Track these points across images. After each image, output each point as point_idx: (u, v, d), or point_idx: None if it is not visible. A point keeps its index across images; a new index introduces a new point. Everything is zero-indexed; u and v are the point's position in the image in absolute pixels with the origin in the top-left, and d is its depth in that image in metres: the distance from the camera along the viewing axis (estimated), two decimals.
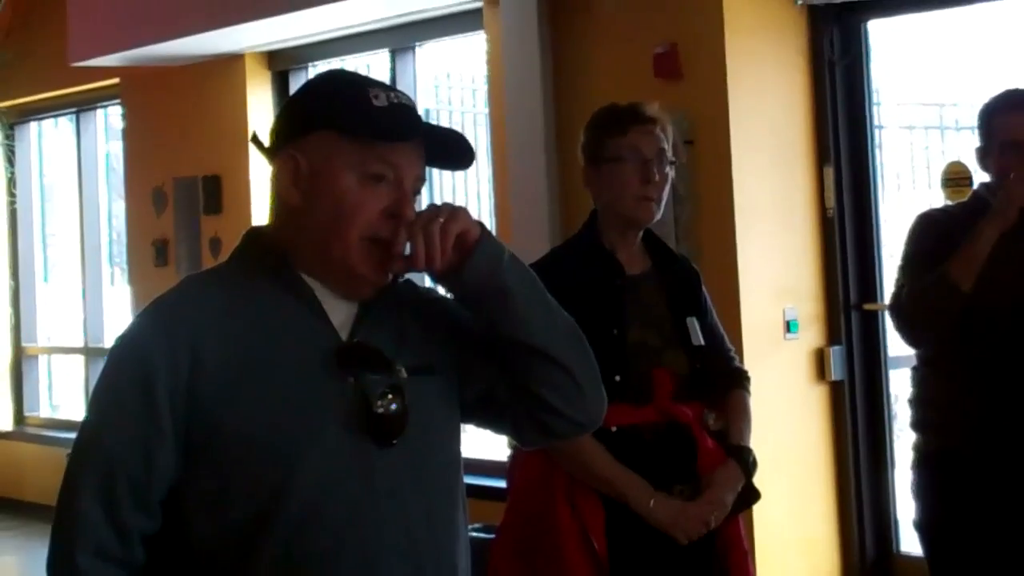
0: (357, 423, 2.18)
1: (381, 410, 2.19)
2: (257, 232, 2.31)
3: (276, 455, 2.13)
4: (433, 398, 2.30)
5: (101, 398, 2.21)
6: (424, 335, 2.33)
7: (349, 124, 2.20)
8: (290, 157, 2.23)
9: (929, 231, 3.91)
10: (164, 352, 2.14)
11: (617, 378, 3.45)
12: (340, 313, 2.25)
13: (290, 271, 2.23)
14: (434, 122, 2.58)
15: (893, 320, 3.95)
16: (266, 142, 2.32)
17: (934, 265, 3.78)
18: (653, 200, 3.57)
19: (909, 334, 3.94)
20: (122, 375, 2.18)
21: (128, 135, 9.39)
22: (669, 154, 3.61)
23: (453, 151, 2.31)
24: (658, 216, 3.62)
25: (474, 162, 2.33)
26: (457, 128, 2.61)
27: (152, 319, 2.22)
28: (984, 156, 3.89)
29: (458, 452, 2.38)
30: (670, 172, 3.61)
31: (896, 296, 3.91)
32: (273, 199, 2.29)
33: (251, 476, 2.13)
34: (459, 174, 7.91)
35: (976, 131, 3.94)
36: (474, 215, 2.25)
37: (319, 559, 2.14)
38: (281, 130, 2.29)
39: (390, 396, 2.20)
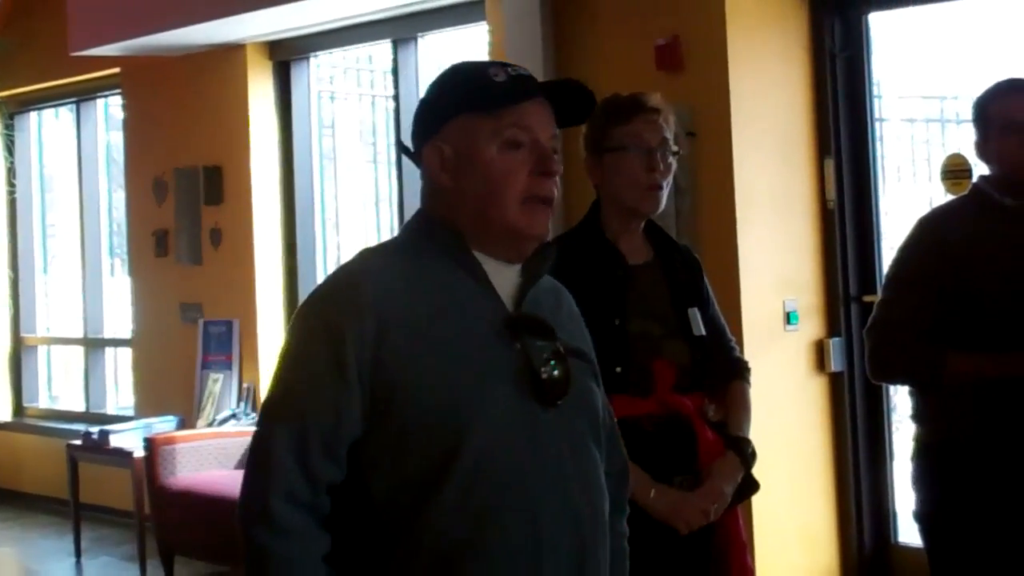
0: (523, 386, 2.38)
1: (545, 375, 2.39)
2: (429, 213, 2.49)
3: (452, 413, 2.32)
4: (585, 374, 2.53)
5: (294, 360, 2.41)
6: (573, 329, 2.57)
7: (478, 103, 2.43)
8: (434, 148, 2.46)
9: (922, 240, 3.88)
10: (353, 319, 2.33)
11: (618, 369, 3.46)
12: (505, 288, 2.46)
13: (464, 248, 2.43)
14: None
15: (867, 344, 3.90)
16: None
17: (920, 284, 3.78)
18: (657, 189, 3.58)
19: (875, 375, 3.96)
20: (313, 340, 2.37)
21: (128, 125, 9.39)
22: (672, 144, 3.61)
23: (574, 102, 2.52)
24: (663, 206, 3.62)
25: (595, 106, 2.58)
26: None
27: (339, 287, 2.43)
28: (983, 145, 3.88)
29: (601, 424, 2.56)
30: (673, 162, 3.62)
31: (876, 320, 3.88)
32: (425, 190, 2.51)
33: (429, 432, 2.32)
34: None
35: (973, 124, 3.94)
36: None
37: (489, 510, 2.32)
38: (420, 130, 2.51)
39: (553, 362, 2.40)
